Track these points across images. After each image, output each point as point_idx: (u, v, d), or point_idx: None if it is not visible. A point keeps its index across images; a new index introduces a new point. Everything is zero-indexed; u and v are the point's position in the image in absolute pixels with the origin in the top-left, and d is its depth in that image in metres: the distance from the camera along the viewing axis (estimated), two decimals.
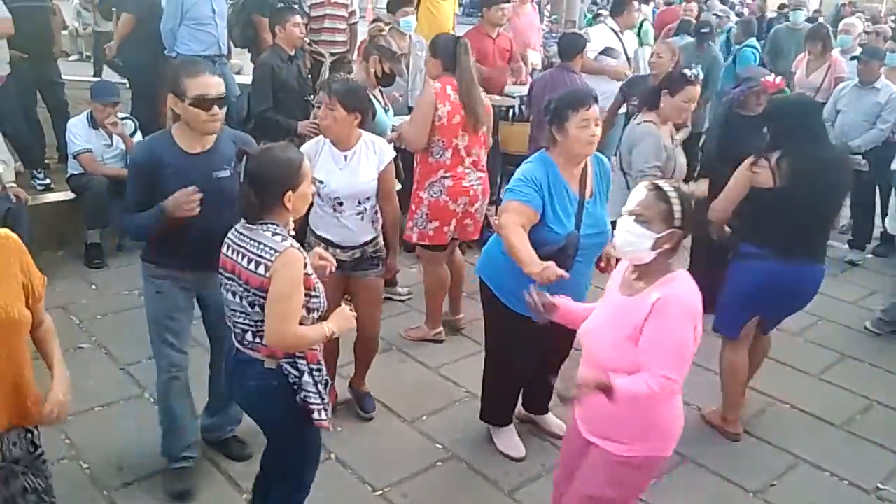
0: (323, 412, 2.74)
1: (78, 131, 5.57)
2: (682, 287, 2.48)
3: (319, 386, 2.73)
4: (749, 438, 4.08)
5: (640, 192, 2.52)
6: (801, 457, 3.94)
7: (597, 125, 3.32)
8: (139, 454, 3.63)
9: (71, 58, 11.56)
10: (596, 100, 3.39)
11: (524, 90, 6.41)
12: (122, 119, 5.68)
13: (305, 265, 2.63)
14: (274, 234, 2.60)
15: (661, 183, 2.53)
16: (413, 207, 4.61)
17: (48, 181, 5.93)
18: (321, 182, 3.57)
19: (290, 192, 2.60)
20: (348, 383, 4.17)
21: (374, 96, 4.57)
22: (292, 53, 5.49)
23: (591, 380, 2.37)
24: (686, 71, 4.54)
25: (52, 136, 6.66)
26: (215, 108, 3.06)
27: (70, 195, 5.77)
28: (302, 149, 3.50)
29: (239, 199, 2.66)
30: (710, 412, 4.18)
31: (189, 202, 3.07)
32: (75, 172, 5.63)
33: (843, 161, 4.13)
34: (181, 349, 3.41)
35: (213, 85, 3.06)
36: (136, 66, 6.69)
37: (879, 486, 3.76)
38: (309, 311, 2.65)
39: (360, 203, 3.70)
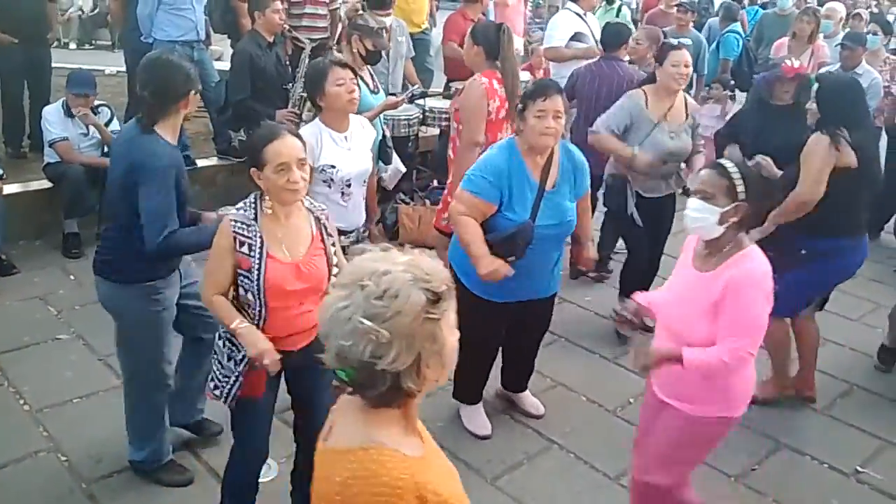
0: (217, 386, 2.79)
1: (53, 119, 5.47)
2: (753, 265, 2.61)
3: (228, 361, 2.75)
4: None
5: (702, 172, 2.72)
6: (782, 441, 3.97)
7: (556, 117, 3.31)
8: (118, 446, 3.58)
9: (70, 45, 11.41)
10: (559, 91, 3.38)
11: None
12: (98, 106, 5.58)
13: (243, 245, 2.64)
14: (239, 205, 2.73)
15: (722, 161, 2.70)
16: (450, 199, 4.47)
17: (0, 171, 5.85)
18: (332, 167, 3.54)
19: (255, 170, 2.65)
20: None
21: (362, 77, 4.51)
22: (271, 40, 5.43)
23: (665, 352, 2.65)
24: (671, 40, 4.52)
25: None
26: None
27: (47, 184, 5.68)
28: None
29: None
30: (760, 389, 4.12)
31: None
32: (52, 161, 5.54)
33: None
34: (170, 358, 3.36)
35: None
36: (132, 50, 6.60)
37: (858, 468, 3.79)
38: (245, 290, 2.69)
39: (363, 182, 3.74)
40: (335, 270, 2.76)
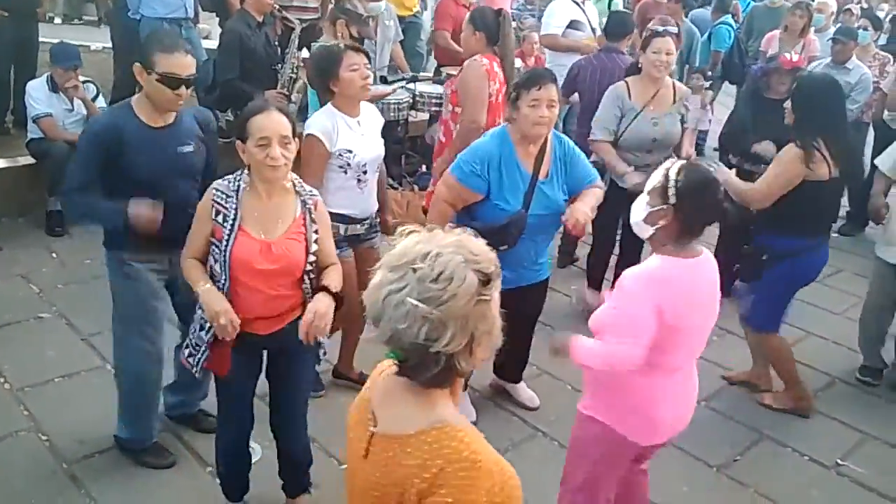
0: (190, 354, 2.84)
1: (37, 95, 5.39)
2: (648, 267, 2.52)
3: (200, 330, 2.79)
4: (714, 415, 4.12)
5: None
6: (765, 433, 4.00)
7: (550, 107, 3.30)
8: (100, 426, 3.57)
9: (56, 20, 11.20)
10: (553, 80, 3.36)
11: None
12: (84, 83, 5.51)
13: (219, 214, 2.68)
14: (228, 176, 2.77)
15: (679, 161, 2.61)
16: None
17: None
18: (350, 152, 3.50)
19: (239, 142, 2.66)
20: (333, 371, 4.08)
21: None
22: (260, 20, 5.37)
23: (564, 339, 2.66)
24: (656, 27, 4.49)
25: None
26: (183, 88, 2.98)
27: (30, 161, 5.61)
28: (318, 125, 3.46)
29: None
30: (772, 399, 4.23)
31: (155, 219, 3.00)
32: (35, 137, 5.47)
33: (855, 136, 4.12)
34: (154, 340, 3.29)
35: (185, 65, 2.98)
36: (118, 24, 6.51)
37: (839, 461, 3.82)
38: (214, 260, 2.71)
39: (377, 167, 3.71)
40: (311, 258, 2.74)
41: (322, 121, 3.50)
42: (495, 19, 4.28)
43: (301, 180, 2.83)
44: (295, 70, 5.33)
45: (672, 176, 2.50)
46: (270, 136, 2.59)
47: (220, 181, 2.75)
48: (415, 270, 1.41)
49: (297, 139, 2.72)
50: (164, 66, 2.93)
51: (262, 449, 3.36)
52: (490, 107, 4.28)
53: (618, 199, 4.44)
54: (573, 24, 6.47)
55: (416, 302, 1.40)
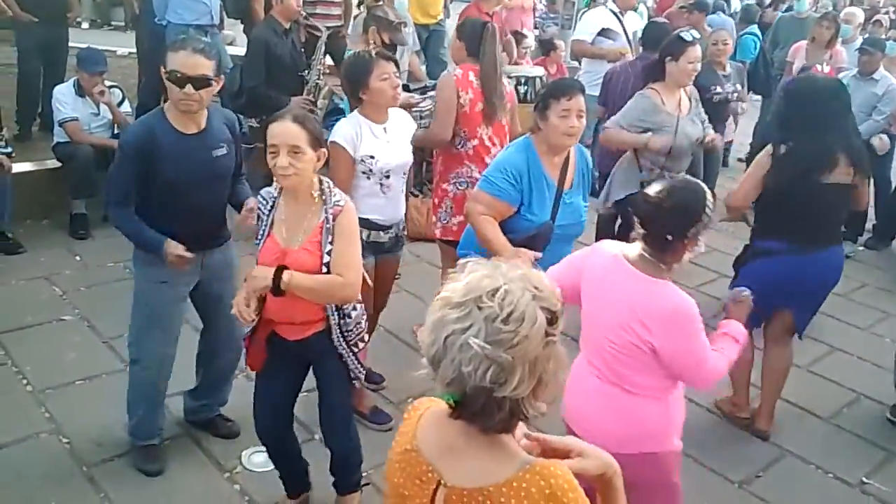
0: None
1: (64, 99, 5.45)
2: (679, 294, 2.55)
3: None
4: (735, 430, 4.07)
5: None
6: (788, 449, 3.93)
7: (579, 117, 3.27)
8: (119, 430, 3.57)
9: (84, 25, 11.33)
10: (582, 91, 3.33)
11: (520, 70, 6.33)
12: (109, 87, 5.56)
13: (259, 217, 2.83)
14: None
15: (663, 181, 2.58)
16: (436, 201, 4.41)
17: (9, 149, 5.80)
18: (371, 157, 3.51)
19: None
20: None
21: None
22: (287, 27, 5.40)
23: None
24: (683, 34, 4.43)
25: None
26: (189, 87, 2.96)
27: (56, 164, 5.65)
28: (342, 133, 3.47)
29: None
30: (721, 400, 4.20)
31: (185, 264, 3.14)
32: (61, 141, 5.52)
33: (850, 149, 3.72)
34: (169, 344, 3.36)
35: (192, 64, 2.96)
36: (144, 30, 6.57)
37: (864, 479, 3.75)
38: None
39: (403, 174, 3.71)
40: (324, 270, 2.71)
41: (345, 128, 3.51)
42: (479, 30, 4.25)
43: (333, 187, 2.82)
44: (320, 76, 5.35)
45: (644, 192, 2.53)
46: (279, 145, 2.60)
47: (267, 188, 2.84)
48: (481, 308, 1.32)
49: (323, 147, 2.74)
50: (171, 64, 2.97)
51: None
52: (464, 117, 4.20)
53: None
54: (604, 33, 6.51)
55: (483, 344, 1.30)
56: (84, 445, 3.53)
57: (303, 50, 5.80)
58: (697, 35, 4.49)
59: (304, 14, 5.89)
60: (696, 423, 4.06)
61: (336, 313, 2.81)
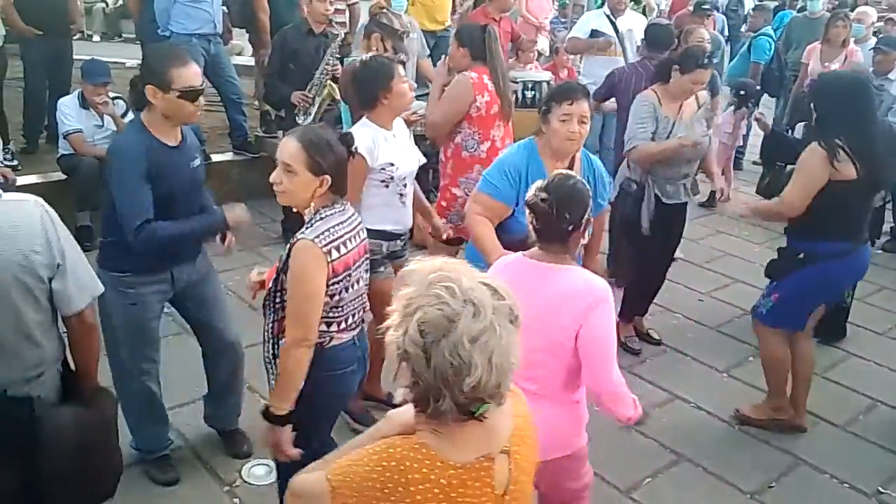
0: None
1: (68, 111, 5.46)
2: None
3: None
4: (747, 438, 3.97)
5: None
6: (801, 457, 3.83)
7: (582, 122, 3.20)
8: (121, 443, 3.53)
9: (94, 38, 11.44)
10: (586, 95, 3.27)
11: (528, 75, 6.27)
12: (113, 99, 5.56)
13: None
14: None
15: (553, 176, 2.55)
16: (444, 204, 4.39)
17: (15, 162, 5.79)
18: (392, 164, 3.47)
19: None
20: (361, 394, 3.76)
21: None
22: (312, 28, 5.46)
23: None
24: (703, 58, 4.33)
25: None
26: (200, 99, 2.99)
27: (61, 176, 5.66)
28: (361, 143, 3.35)
29: None
30: (751, 409, 4.09)
31: (248, 218, 3.25)
32: (66, 153, 5.53)
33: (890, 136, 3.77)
34: (151, 356, 3.32)
35: (199, 75, 3.00)
36: (150, 43, 6.57)
37: (881, 489, 3.64)
38: None
39: (414, 179, 3.69)
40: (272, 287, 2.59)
41: (363, 137, 3.42)
42: (480, 35, 4.24)
43: (317, 219, 2.56)
44: (323, 76, 5.35)
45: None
46: (277, 159, 2.54)
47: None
48: (498, 313, 1.40)
49: (327, 174, 2.54)
50: (183, 81, 2.90)
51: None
52: (480, 120, 4.23)
53: (662, 218, 4.44)
54: (594, 34, 6.69)
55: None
56: None
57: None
58: (716, 60, 4.43)
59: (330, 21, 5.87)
60: (707, 432, 4.01)
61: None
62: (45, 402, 2.30)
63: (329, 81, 5.32)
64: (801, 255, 3.71)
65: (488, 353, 1.36)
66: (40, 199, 2.32)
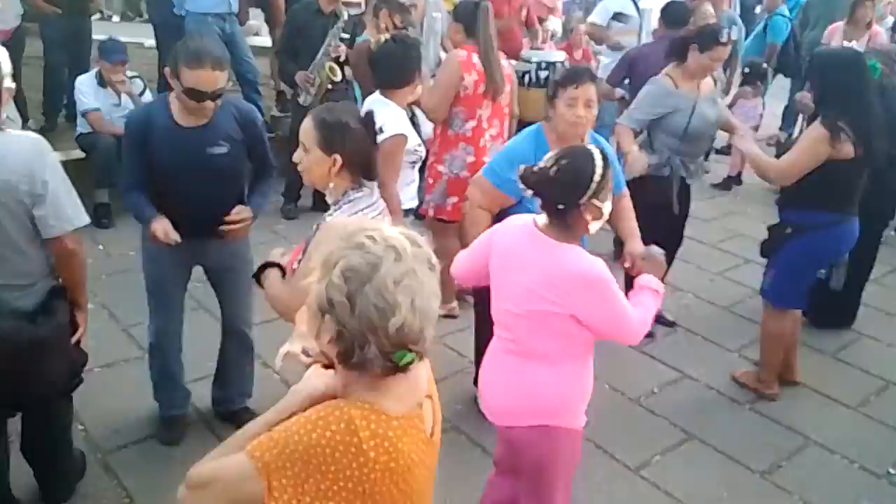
0: None
1: (86, 89, 5.50)
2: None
3: None
4: (757, 417, 3.98)
5: None
6: (812, 438, 3.84)
7: (587, 106, 3.17)
8: (136, 417, 3.62)
9: (114, 18, 11.47)
10: (593, 79, 3.23)
11: (541, 55, 6.24)
12: (131, 78, 5.60)
13: None
14: None
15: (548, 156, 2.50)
16: (430, 181, 4.44)
17: None
18: (420, 145, 3.56)
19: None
20: None
21: None
22: (324, 9, 5.51)
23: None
24: (721, 32, 4.31)
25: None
26: (208, 102, 2.97)
27: (80, 154, 5.71)
28: (401, 124, 3.48)
29: None
30: (742, 373, 4.23)
31: (167, 239, 3.10)
32: (84, 131, 5.58)
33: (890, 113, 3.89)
34: (167, 319, 3.43)
35: (211, 81, 2.92)
36: (162, 23, 6.61)
37: (891, 470, 3.65)
38: None
39: None
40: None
41: (401, 119, 3.48)
42: (473, 10, 4.25)
43: (351, 195, 2.49)
44: (323, 57, 5.38)
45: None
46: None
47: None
48: (418, 258, 1.42)
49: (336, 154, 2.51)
50: (189, 81, 2.90)
51: None
52: (466, 99, 4.24)
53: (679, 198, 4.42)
54: (617, 17, 6.52)
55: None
56: (100, 432, 3.55)
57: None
58: (735, 37, 4.41)
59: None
60: (717, 412, 4.02)
61: None
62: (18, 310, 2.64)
63: (329, 63, 5.34)
64: (789, 230, 3.81)
65: (411, 295, 1.38)
66: (40, 138, 2.63)
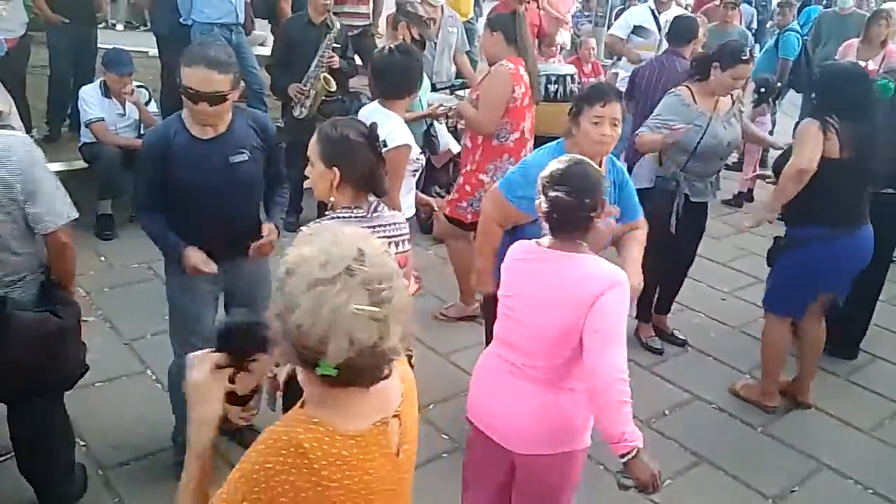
0: None
1: (91, 100, 5.45)
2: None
3: None
4: (770, 441, 3.91)
5: None
6: (825, 462, 3.77)
7: (613, 125, 3.12)
8: (138, 433, 3.56)
9: (118, 27, 11.48)
10: (619, 97, 3.18)
11: (551, 68, 6.21)
12: (136, 87, 5.55)
13: None
14: None
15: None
16: (468, 188, 4.42)
17: None
18: (423, 153, 3.61)
19: None
20: None
21: None
22: (314, 20, 5.42)
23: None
24: (744, 51, 4.27)
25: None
26: (203, 104, 2.87)
27: (83, 164, 5.66)
28: (407, 135, 3.46)
29: None
30: (742, 386, 4.24)
31: (202, 272, 3.04)
32: (87, 141, 5.53)
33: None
34: (197, 345, 3.29)
35: (206, 81, 2.83)
36: (167, 32, 6.58)
37: None
38: None
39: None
40: None
41: (403, 129, 3.46)
42: (511, 18, 4.25)
43: (341, 213, 2.54)
44: (318, 68, 5.34)
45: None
46: None
47: None
48: (353, 275, 1.37)
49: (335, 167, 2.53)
50: (184, 79, 2.85)
51: None
52: (514, 111, 4.24)
53: (688, 216, 4.41)
54: (637, 31, 6.52)
55: (370, 308, 1.37)
56: (101, 448, 3.49)
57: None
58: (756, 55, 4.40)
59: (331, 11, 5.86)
60: (728, 434, 3.96)
61: None
62: (17, 302, 2.73)
63: (324, 74, 5.30)
64: (787, 240, 3.91)
65: (320, 303, 1.36)
66: (28, 138, 2.78)
